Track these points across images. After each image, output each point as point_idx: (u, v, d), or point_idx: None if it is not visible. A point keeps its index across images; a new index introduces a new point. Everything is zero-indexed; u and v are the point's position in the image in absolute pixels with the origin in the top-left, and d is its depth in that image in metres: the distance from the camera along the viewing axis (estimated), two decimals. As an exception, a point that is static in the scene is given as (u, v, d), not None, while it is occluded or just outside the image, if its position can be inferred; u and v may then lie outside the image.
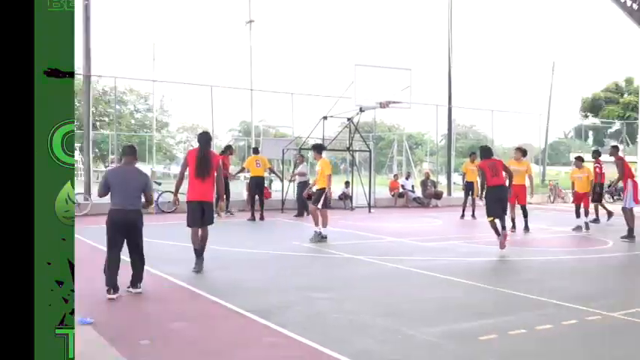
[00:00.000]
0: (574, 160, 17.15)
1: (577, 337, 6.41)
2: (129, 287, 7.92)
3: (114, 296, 7.63)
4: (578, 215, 16.19)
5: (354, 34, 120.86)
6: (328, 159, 14.74)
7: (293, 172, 21.70)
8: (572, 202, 17.17)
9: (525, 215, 15.76)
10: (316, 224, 13.05)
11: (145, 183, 8.07)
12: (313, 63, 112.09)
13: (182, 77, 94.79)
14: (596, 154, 19.07)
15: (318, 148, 14.08)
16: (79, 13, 19.55)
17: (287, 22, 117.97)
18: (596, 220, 18.29)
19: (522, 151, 16.62)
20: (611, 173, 17.97)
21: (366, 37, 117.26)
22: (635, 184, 14.10)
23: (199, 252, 9.52)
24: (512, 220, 15.67)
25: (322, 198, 13.07)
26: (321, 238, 12.97)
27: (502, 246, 11.87)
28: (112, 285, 7.69)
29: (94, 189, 20.91)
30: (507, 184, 12.88)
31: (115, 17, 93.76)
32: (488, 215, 12.20)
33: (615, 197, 29.44)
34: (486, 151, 12.84)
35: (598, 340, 6.36)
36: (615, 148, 15.31)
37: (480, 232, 14.94)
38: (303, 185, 20.50)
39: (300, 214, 19.79)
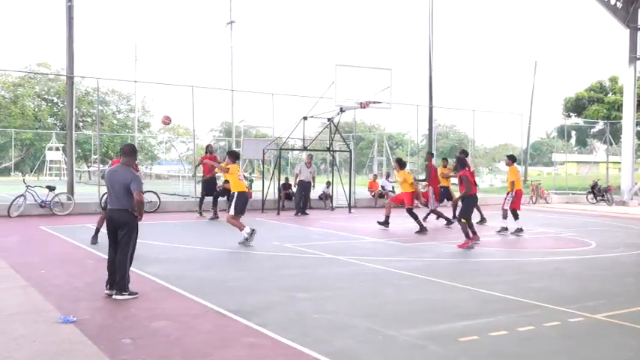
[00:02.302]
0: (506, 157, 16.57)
1: (559, 339, 6.37)
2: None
3: (108, 292, 7.86)
4: (516, 217, 15.67)
5: (334, 34, 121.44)
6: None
7: (296, 176, 21.76)
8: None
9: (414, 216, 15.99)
10: (241, 229, 12.59)
11: (127, 180, 7.83)
12: (294, 63, 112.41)
13: (163, 78, 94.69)
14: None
15: (236, 156, 13.58)
16: (62, 15, 19.50)
17: (268, 22, 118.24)
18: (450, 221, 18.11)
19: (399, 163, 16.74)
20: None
21: (347, 38, 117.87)
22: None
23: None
24: (386, 217, 16.63)
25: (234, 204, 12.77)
26: (247, 239, 12.57)
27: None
28: (109, 282, 7.91)
29: (77, 189, 20.87)
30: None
31: (97, 19, 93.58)
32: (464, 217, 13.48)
33: (599, 198, 29.77)
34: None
35: (580, 342, 6.36)
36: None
37: (459, 233, 15.04)
38: (307, 185, 20.68)
39: (302, 213, 20.26)
